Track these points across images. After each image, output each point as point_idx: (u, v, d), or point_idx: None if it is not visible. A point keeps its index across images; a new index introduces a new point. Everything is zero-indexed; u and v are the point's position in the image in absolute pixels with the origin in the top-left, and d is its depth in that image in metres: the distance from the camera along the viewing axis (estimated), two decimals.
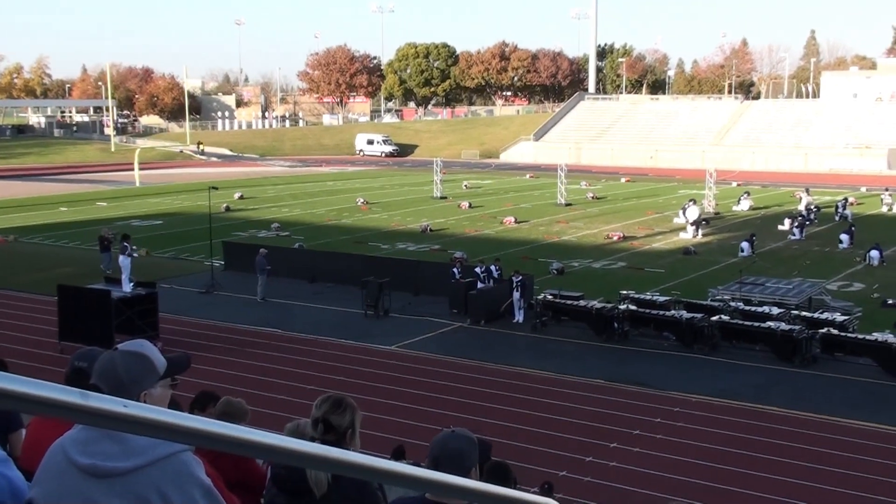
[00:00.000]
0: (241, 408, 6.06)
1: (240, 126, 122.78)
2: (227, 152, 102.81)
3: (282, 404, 17.35)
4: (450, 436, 3.48)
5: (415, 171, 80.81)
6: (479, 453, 3.82)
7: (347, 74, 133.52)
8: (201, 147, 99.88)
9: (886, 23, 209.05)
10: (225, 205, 50.83)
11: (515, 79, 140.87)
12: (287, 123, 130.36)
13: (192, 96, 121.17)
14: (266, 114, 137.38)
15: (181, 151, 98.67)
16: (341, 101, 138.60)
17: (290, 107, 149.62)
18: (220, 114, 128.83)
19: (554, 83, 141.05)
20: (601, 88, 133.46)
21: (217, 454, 4.19)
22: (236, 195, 56.45)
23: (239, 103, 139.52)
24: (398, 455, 11.30)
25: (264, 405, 16.50)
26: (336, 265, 31.19)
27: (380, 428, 15.84)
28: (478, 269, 27.46)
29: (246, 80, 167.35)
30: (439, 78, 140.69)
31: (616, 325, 23.54)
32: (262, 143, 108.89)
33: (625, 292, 25.73)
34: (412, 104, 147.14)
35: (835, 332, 21.54)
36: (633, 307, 24.02)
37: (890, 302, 27.37)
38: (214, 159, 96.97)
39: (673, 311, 23.71)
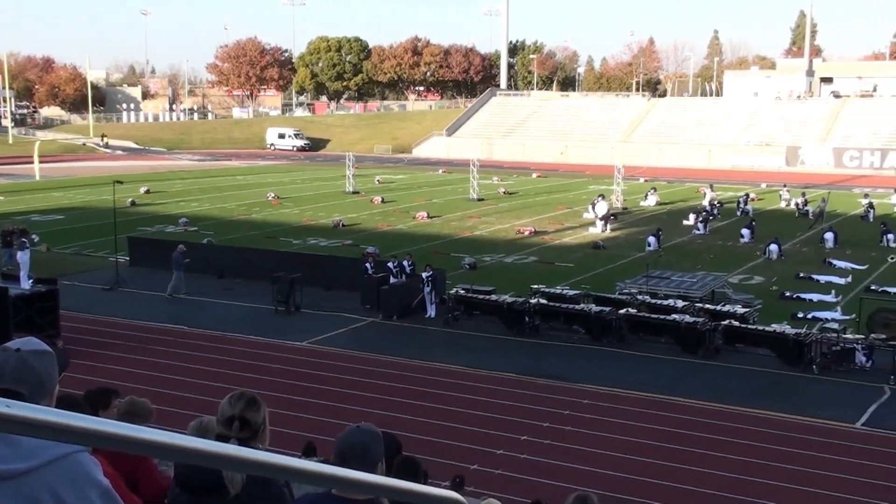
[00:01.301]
0: (145, 407, 5.94)
1: (146, 119, 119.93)
2: (133, 145, 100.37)
3: (189, 403, 17.04)
4: (355, 431, 3.49)
5: (327, 166, 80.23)
6: (387, 448, 3.83)
7: (258, 67, 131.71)
8: (105, 140, 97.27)
9: (785, 24, 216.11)
10: (130, 199, 49.61)
11: (428, 74, 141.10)
12: (195, 116, 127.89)
13: (95, 87, 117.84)
14: (174, 106, 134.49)
15: (84, 144, 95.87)
16: (252, 94, 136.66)
17: (199, 99, 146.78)
18: (125, 106, 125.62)
19: (466, 79, 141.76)
20: (513, 85, 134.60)
21: (117, 455, 4.10)
22: (142, 189, 55.16)
23: (145, 95, 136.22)
24: (309, 452, 11.23)
25: (171, 404, 16.19)
26: (246, 261, 30.78)
27: (291, 425, 15.71)
28: (390, 264, 27.43)
29: (152, 71, 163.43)
30: (351, 72, 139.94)
31: (527, 319, 23.81)
32: (169, 136, 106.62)
33: (536, 286, 26.03)
34: (324, 98, 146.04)
35: (736, 324, 22.20)
36: (543, 301, 24.32)
37: (787, 294, 28.34)
38: (119, 152, 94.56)
39: (582, 305, 24.10)
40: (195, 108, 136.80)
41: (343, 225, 42.91)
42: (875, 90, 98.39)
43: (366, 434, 3.49)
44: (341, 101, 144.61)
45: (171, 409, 15.07)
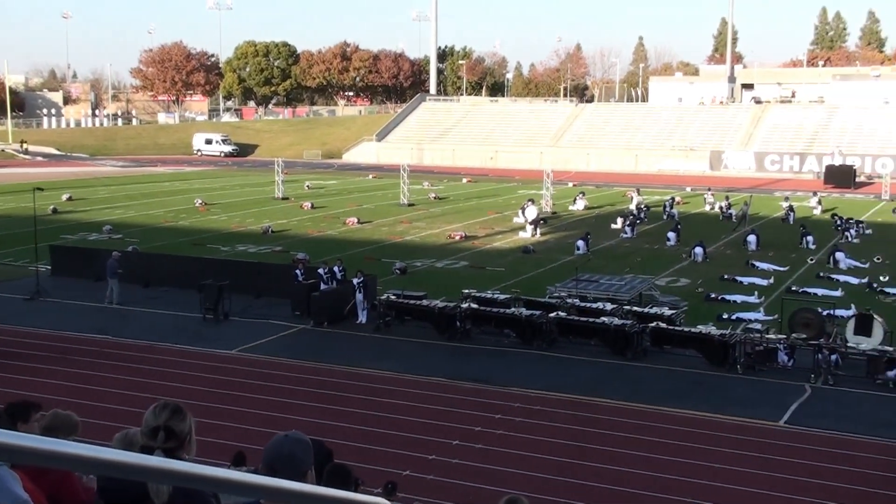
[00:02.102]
0: (69, 421, 5.78)
1: (68, 124, 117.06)
2: (55, 151, 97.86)
3: (115, 414, 16.68)
4: (283, 440, 3.46)
5: (255, 172, 79.37)
6: (317, 456, 3.81)
7: (184, 72, 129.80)
8: (25, 146, 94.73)
9: (708, 32, 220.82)
10: (52, 206, 48.41)
11: (357, 79, 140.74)
12: (119, 122, 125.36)
13: (14, 92, 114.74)
14: (97, 111, 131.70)
15: (2, 150, 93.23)
16: (178, 99, 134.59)
17: (123, 105, 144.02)
18: (46, 111, 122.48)
19: (396, 84, 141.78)
20: (442, 90, 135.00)
21: (39, 469, 3.99)
22: (65, 196, 53.83)
23: (67, 100, 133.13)
24: (238, 461, 11.08)
25: (96, 416, 15.82)
26: (173, 268, 30.27)
27: (220, 435, 15.50)
28: (321, 271, 27.26)
29: (74, 76, 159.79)
30: (280, 77, 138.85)
31: (458, 323, 23.87)
32: (92, 142, 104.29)
33: (467, 291, 26.12)
34: (252, 103, 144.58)
35: (663, 325, 22.59)
36: (474, 305, 24.41)
37: (712, 296, 28.95)
38: (40, 158, 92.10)
39: (513, 309, 24.25)
40: (119, 113, 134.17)
41: (272, 231, 42.51)
42: (794, 96, 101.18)
43: (294, 442, 3.46)
44: (270, 106, 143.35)
45: (97, 422, 14.72)
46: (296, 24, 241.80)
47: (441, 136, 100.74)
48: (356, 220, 46.30)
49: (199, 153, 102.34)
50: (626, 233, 43.18)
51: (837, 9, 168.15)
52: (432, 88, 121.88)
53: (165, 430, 3.75)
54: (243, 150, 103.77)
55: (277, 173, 58.46)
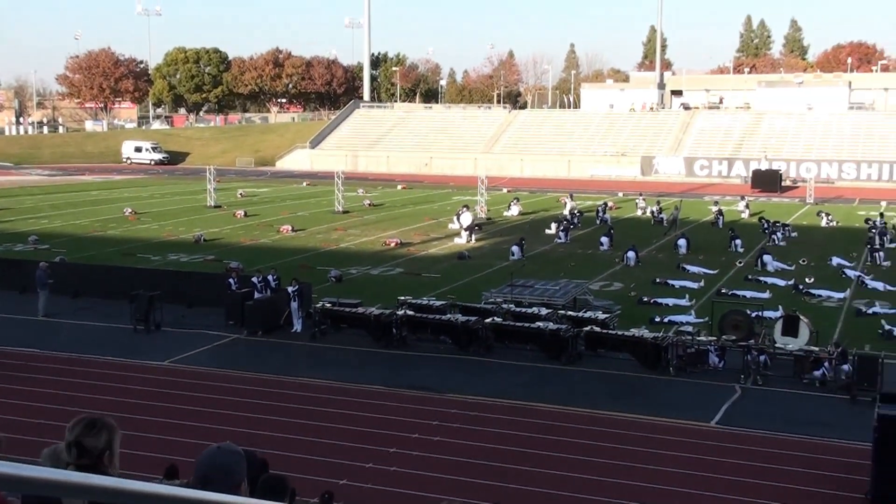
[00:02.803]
0: None
1: None
2: None
3: (43, 429, 16.25)
4: (216, 452, 3.40)
5: (187, 180, 78.31)
6: (250, 467, 3.76)
7: (112, 79, 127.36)
8: None
9: (637, 39, 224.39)
10: None
11: (290, 86, 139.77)
12: (45, 130, 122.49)
13: None
14: (21, 119, 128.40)
15: None
16: (106, 106, 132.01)
17: (49, 112, 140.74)
18: None
19: (329, 91, 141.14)
20: (376, 97, 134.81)
21: None
22: None
23: None
24: (171, 475, 10.88)
25: (23, 431, 15.40)
26: (102, 279, 29.67)
27: (152, 448, 15.22)
28: (254, 279, 26.97)
29: None
30: (211, 84, 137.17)
31: (394, 330, 23.82)
32: (16, 150, 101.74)
33: (402, 298, 26.07)
34: (183, 110, 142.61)
35: (597, 329, 22.84)
36: (410, 312, 24.38)
37: (645, 299, 29.37)
38: None
39: (449, 315, 24.27)
40: (45, 120, 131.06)
41: (205, 240, 41.97)
42: (721, 102, 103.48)
43: (227, 454, 3.41)
44: (201, 113, 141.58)
45: (24, 438, 14.32)
46: (227, 30, 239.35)
47: (375, 142, 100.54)
48: (290, 228, 45.95)
49: (129, 161, 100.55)
50: (560, 238, 43.58)
51: (762, 17, 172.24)
52: (366, 95, 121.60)
53: (77, 447, 3.65)
54: (174, 158, 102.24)
55: (209, 181, 57.72)
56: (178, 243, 41.49)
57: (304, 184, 76.38)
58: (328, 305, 24.96)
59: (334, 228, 47.39)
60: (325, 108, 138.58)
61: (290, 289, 25.47)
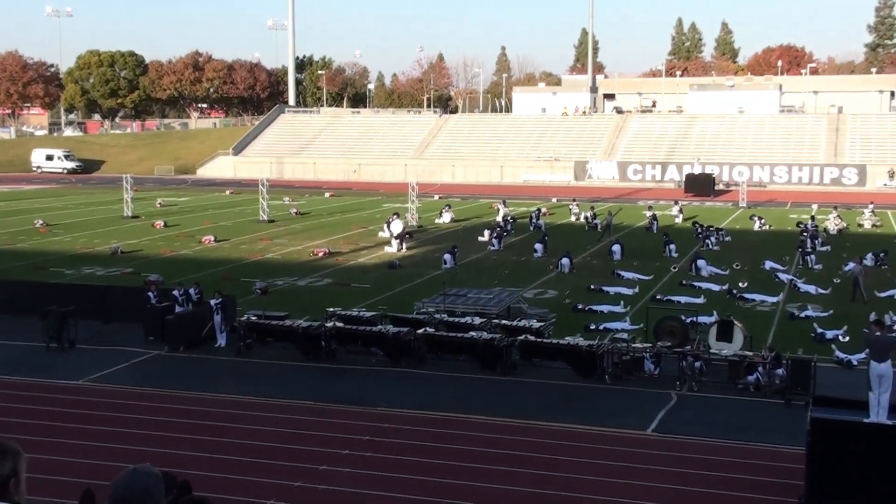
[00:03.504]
0: None
1: None
2: None
3: None
4: (132, 474, 3.36)
5: (102, 189, 76.87)
6: (170, 489, 3.72)
7: (20, 83, 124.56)
8: None
9: (569, 42, 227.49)
10: None
11: (211, 90, 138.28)
12: None
13: None
14: None
15: None
16: (13, 112, 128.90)
17: None
18: None
19: (252, 95, 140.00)
20: (301, 101, 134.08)
21: None
22: None
23: None
24: (87, 500, 10.66)
25: None
26: (11, 294, 28.89)
27: (67, 472, 14.88)
28: (175, 293, 26.57)
29: None
30: (127, 88, 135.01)
31: (323, 343, 23.69)
32: None
33: (331, 309, 25.96)
34: (97, 117, 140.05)
35: (532, 338, 23.03)
36: (339, 324, 24.27)
37: (580, 307, 29.71)
38: None
39: (380, 326, 24.23)
40: None
41: (122, 252, 41.29)
42: (654, 106, 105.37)
43: (144, 476, 3.37)
44: (116, 119, 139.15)
45: None
46: (143, 32, 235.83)
47: (301, 149, 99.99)
48: (213, 239, 45.45)
49: (39, 170, 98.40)
50: (493, 245, 43.86)
51: (693, 19, 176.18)
52: (291, 100, 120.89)
53: None
54: (88, 167, 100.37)
55: (126, 190, 56.83)
56: (93, 256, 40.70)
57: (227, 192, 75.62)
58: (253, 318, 24.70)
59: (259, 238, 46.97)
60: (249, 113, 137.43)
61: (212, 302, 25.15)
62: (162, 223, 51.72)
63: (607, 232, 47.28)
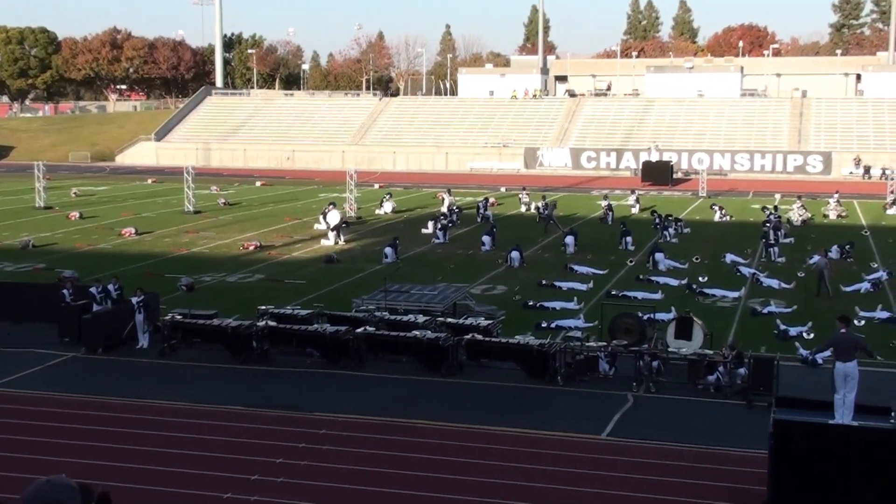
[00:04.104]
0: None
1: None
2: None
3: None
4: (44, 485, 3.32)
5: (11, 178, 75.55)
6: (87, 501, 3.67)
7: None
8: None
9: (518, 20, 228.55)
10: None
11: (131, 70, 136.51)
12: None
13: None
14: None
15: None
16: None
17: None
18: None
19: (176, 76, 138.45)
20: (230, 83, 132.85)
21: None
22: None
23: None
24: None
25: None
26: None
27: None
28: (93, 290, 26.23)
29: None
30: (38, 68, 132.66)
31: (255, 344, 23.55)
32: None
33: (263, 307, 25.82)
34: (6, 98, 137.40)
35: (479, 337, 23.11)
36: (272, 323, 24.14)
37: (530, 303, 29.90)
38: None
39: (316, 326, 24.16)
40: None
41: (34, 246, 40.89)
42: (609, 89, 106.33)
43: (58, 488, 3.33)
44: (27, 101, 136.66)
45: None
46: (55, 7, 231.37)
47: (230, 134, 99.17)
48: (133, 231, 44.99)
49: None
50: (437, 238, 43.93)
51: None
52: (218, 81, 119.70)
53: None
54: None
55: (38, 179, 56.08)
56: (1, 250, 40.08)
57: (150, 181, 74.93)
58: (178, 317, 24.46)
59: (184, 231, 46.56)
60: (172, 95, 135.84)
61: (134, 300, 24.86)
62: (77, 214, 51.06)
63: (548, 221, 47.54)
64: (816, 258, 33.37)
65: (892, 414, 14.83)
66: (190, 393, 20.85)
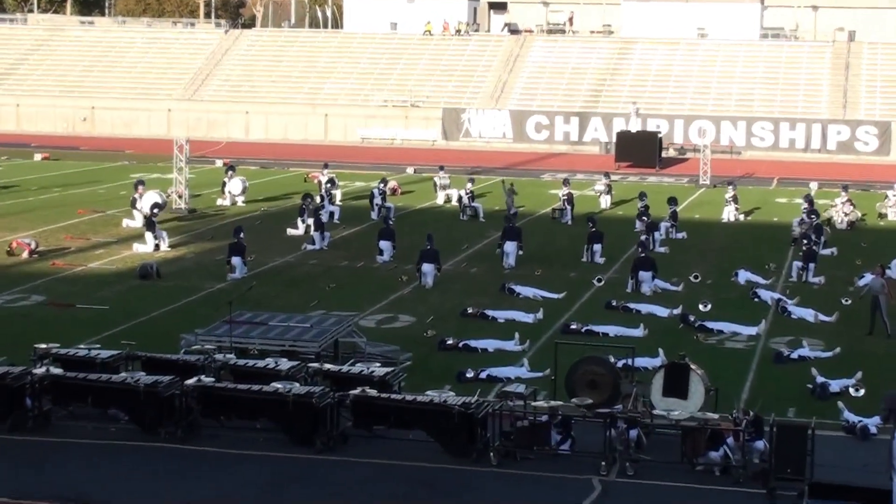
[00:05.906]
0: None
1: None
2: None
3: None
4: None
5: None
6: None
7: None
8: None
9: None
10: None
11: None
12: None
13: None
14: None
15: None
16: None
17: None
18: None
19: None
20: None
21: None
22: None
23: None
24: None
25: None
26: None
27: None
28: None
29: None
30: None
31: (29, 402, 23.13)
32: None
33: (43, 346, 25.39)
34: None
35: (373, 393, 22.96)
36: (57, 371, 23.75)
37: (450, 342, 29.74)
38: None
39: (124, 374, 23.83)
40: None
41: None
42: (571, 24, 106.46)
43: None
44: None
45: None
46: None
47: None
48: None
49: None
50: (312, 241, 43.65)
51: None
52: None
53: None
54: None
55: None
56: None
57: None
58: None
59: None
60: None
61: None
62: None
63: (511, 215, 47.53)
64: (869, 278, 33.80)
65: None
66: None
